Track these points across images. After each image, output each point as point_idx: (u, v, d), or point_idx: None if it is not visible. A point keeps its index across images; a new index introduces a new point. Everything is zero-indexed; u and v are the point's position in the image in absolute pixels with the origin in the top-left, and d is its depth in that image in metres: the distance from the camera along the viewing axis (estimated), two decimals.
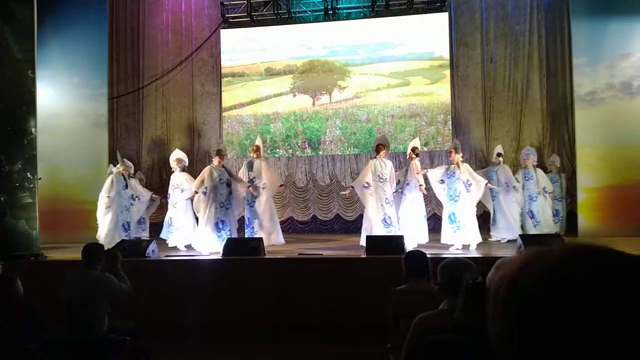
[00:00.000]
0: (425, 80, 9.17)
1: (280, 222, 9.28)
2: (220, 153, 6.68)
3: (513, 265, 0.61)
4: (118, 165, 7.30)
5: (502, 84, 8.97)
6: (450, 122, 9.05)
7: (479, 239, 6.31)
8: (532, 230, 7.05)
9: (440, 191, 6.60)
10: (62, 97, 8.48)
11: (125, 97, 9.80)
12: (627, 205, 7.24)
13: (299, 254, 5.91)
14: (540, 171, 7.37)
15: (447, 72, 9.06)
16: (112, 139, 9.22)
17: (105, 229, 7.04)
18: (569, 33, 8.23)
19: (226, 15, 9.50)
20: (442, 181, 6.54)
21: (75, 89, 8.54)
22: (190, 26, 9.83)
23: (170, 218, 7.29)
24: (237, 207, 6.77)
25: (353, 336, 4.49)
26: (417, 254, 3.12)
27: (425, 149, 8.64)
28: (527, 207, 7.25)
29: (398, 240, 5.66)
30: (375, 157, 6.64)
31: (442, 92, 9.09)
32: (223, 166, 6.63)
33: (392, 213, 6.52)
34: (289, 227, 9.33)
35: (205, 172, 6.58)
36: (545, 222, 7.15)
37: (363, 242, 6.54)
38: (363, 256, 5.52)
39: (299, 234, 8.99)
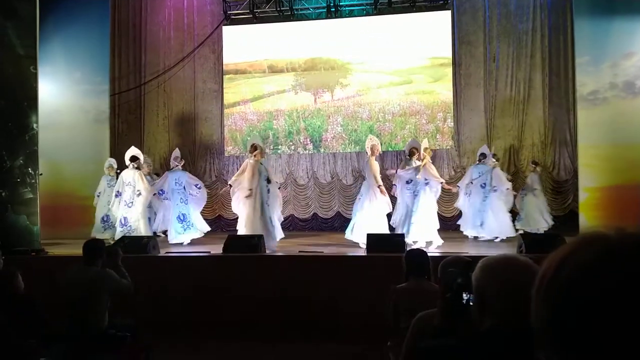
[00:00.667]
0: (427, 78, 9.15)
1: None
2: (261, 149, 6.70)
3: (562, 251, 0.60)
4: (143, 164, 7.44)
5: (505, 82, 8.94)
6: (450, 120, 9.03)
7: (432, 238, 6.41)
8: (477, 229, 7.29)
9: (405, 191, 6.76)
10: (64, 93, 8.49)
11: (127, 93, 9.79)
12: (629, 205, 7.22)
13: (299, 252, 5.91)
14: (496, 170, 7.42)
15: (449, 71, 9.04)
16: (113, 135, 9.22)
17: (144, 226, 7.10)
18: (571, 32, 8.20)
19: (228, 12, 9.49)
20: (410, 181, 6.72)
21: (77, 85, 8.54)
22: (192, 23, 9.81)
23: (184, 214, 7.30)
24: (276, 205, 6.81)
25: (353, 334, 4.49)
26: (418, 253, 3.12)
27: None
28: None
29: (399, 238, 5.66)
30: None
31: (443, 91, 9.07)
32: (261, 163, 6.60)
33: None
34: (290, 224, 9.32)
35: (254, 169, 6.44)
36: (498, 220, 7.21)
37: (348, 235, 6.69)
38: (363, 254, 5.52)
39: (300, 232, 8.99)
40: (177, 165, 7.42)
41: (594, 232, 0.61)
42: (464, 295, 1.49)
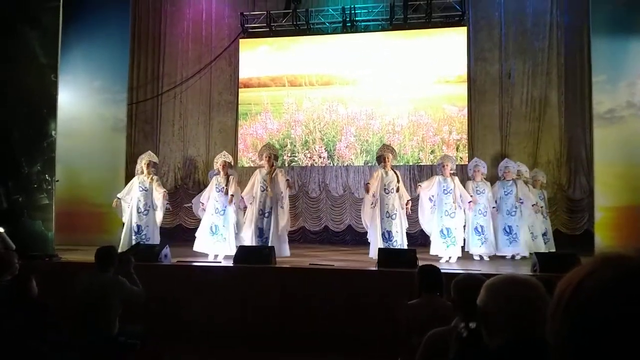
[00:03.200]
0: (441, 94, 9.16)
1: (292, 231, 9.34)
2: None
3: (583, 268, 0.60)
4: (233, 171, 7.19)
5: (520, 100, 8.90)
6: (455, 133, 9.03)
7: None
8: (477, 247, 6.91)
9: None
10: (83, 102, 8.64)
11: (144, 102, 9.95)
12: None
13: (310, 264, 5.89)
14: (520, 182, 7.26)
15: (464, 87, 9.04)
16: (129, 144, 9.34)
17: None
18: (588, 50, 8.15)
19: (245, 26, 9.63)
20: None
21: (96, 93, 8.70)
22: (210, 35, 9.98)
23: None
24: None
25: (363, 349, 4.44)
26: (431, 269, 3.09)
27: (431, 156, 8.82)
28: (474, 221, 6.94)
29: (410, 253, 5.61)
30: (382, 167, 6.78)
31: (458, 107, 9.07)
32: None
33: (396, 227, 6.53)
34: (301, 237, 9.33)
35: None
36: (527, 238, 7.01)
37: (372, 254, 6.54)
38: (374, 268, 5.49)
39: (311, 244, 8.97)
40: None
41: (613, 251, 0.61)
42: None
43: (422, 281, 2.94)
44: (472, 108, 9.02)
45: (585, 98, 8.46)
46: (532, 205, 7.12)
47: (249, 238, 6.69)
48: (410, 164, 9.16)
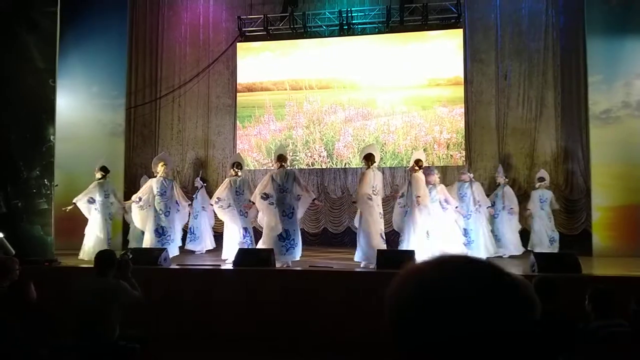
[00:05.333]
0: (438, 95, 9.21)
1: None
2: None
3: (401, 277, 0.70)
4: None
5: (517, 101, 8.94)
6: (445, 132, 9.06)
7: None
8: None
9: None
10: (81, 106, 8.66)
11: (142, 107, 9.97)
12: None
13: (309, 266, 5.91)
14: (476, 184, 7.22)
15: (461, 88, 9.08)
16: (128, 148, 9.36)
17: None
18: (584, 51, 8.20)
19: (243, 29, 9.66)
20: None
21: (94, 98, 8.72)
22: (207, 39, 10.00)
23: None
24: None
25: (362, 351, 4.46)
26: None
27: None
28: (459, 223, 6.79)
29: (409, 255, 5.63)
30: (369, 167, 6.29)
31: (448, 108, 9.11)
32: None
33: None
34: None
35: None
36: (485, 240, 6.98)
37: (356, 257, 6.16)
38: (373, 270, 5.51)
39: (310, 246, 8.97)
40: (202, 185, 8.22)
41: (412, 265, 0.72)
42: None
43: None
44: (469, 109, 9.06)
45: (581, 98, 8.50)
46: (487, 208, 7.12)
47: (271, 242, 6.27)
48: (404, 163, 9.19)
